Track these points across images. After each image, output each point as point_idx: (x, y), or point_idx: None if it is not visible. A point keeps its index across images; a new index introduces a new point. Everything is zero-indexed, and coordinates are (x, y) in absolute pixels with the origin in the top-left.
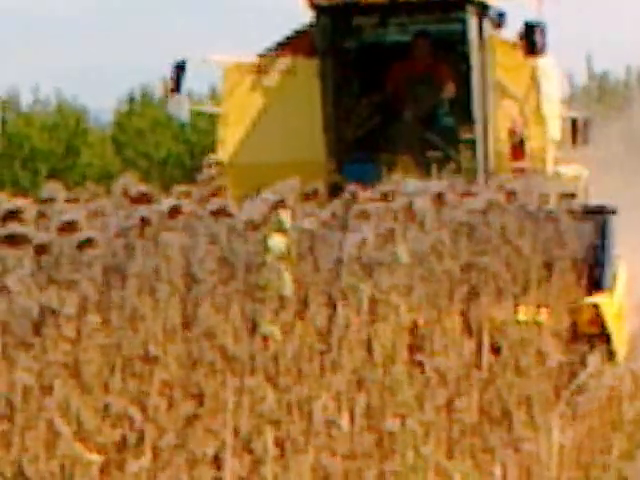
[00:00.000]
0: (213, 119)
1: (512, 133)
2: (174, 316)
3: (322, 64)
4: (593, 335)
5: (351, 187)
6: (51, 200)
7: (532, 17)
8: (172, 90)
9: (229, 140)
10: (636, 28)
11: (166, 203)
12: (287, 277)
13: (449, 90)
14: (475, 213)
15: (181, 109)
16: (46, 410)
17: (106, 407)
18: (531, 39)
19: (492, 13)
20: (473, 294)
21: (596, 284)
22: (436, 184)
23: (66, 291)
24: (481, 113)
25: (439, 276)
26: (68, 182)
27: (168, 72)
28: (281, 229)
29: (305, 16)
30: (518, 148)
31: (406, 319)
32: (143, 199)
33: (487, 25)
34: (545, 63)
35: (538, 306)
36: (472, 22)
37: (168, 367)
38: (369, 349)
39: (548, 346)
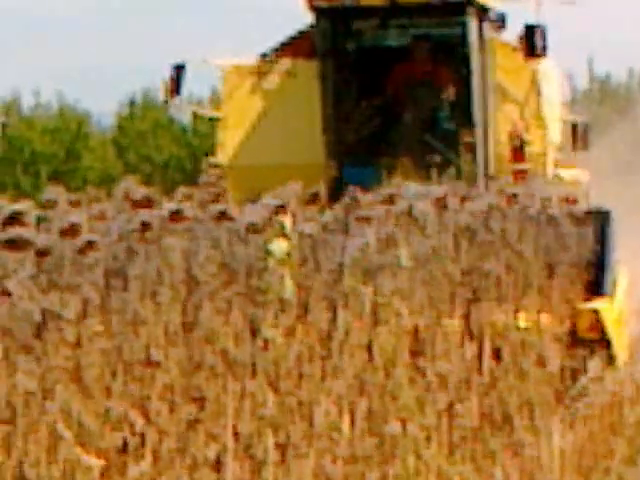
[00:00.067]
0: (213, 122)
1: (512, 136)
2: (175, 320)
3: (322, 66)
4: (593, 340)
5: (352, 191)
6: (53, 204)
7: (532, 19)
8: (172, 92)
9: (229, 143)
10: (638, 30)
11: (167, 207)
12: (288, 281)
13: (449, 93)
14: (476, 217)
15: (182, 112)
16: (47, 414)
17: (107, 411)
18: (531, 42)
19: (492, 15)
20: (474, 298)
21: (596, 289)
22: (437, 188)
23: (67, 295)
24: (481, 116)
25: (440, 280)
26: (69, 186)
27: (168, 74)
28: (282, 233)
29: (305, 18)
30: (518, 151)
31: (407, 323)
32: (144, 203)
33: (487, 28)
34: (545, 66)
35: (539, 311)
36: (472, 25)
37: (169, 371)
38: (370, 353)
39: (549, 351)
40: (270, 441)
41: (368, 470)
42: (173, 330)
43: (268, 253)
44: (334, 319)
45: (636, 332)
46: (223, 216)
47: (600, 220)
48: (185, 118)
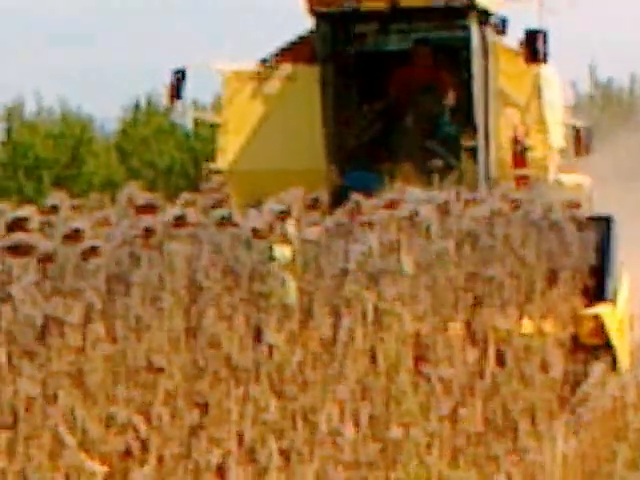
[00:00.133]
0: (215, 128)
1: (514, 141)
2: (178, 325)
3: (323, 71)
4: (595, 346)
5: (355, 196)
6: (56, 209)
7: (534, 24)
8: (172, 98)
9: (229, 148)
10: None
11: (171, 212)
12: (291, 286)
13: (451, 98)
14: (479, 222)
15: (185, 117)
16: (50, 419)
17: (110, 416)
18: (533, 46)
19: (494, 20)
20: (477, 304)
21: (598, 294)
22: (440, 193)
23: (71, 300)
24: (483, 121)
25: (443, 286)
26: (73, 191)
27: (168, 79)
28: (286, 238)
29: (306, 21)
30: (520, 156)
31: (410, 328)
32: (148, 208)
33: (489, 32)
34: (547, 70)
35: (542, 316)
36: (474, 29)
37: (172, 376)
38: (373, 358)
39: (552, 356)
40: (273, 446)
41: (371, 475)
42: (176, 335)
43: (271, 258)
44: (337, 324)
45: (638, 337)
46: (226, 222)
47: (602, 225)
48: (188, 123)
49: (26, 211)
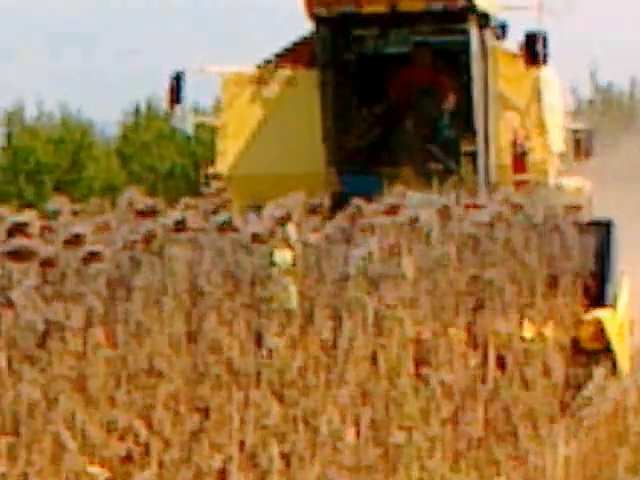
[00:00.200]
0: (214, 131)
1: (514, 145)
2: (179, 330)
3: (322, 75)
4: (596, 350)
5: (356, 200)
6: (56, 214)
7: (533, 28)
8: (172, 102)
9: (228, 152)
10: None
11: (171, 217)
12: (293, 291)
13: (450, 101)
14: (480, 226)
15: (185, 122)
16: (52, 424)
17: (112, 421)
18: (532, 50)
19: (493, 24)
20: (478, 307)
21: (599, 299)
22: (441, 197)
23: (71, 305)
24: (482, 124)
25: (444, 289)
26: (73, 196)
27: (167, 82)
28: (287, 243)
29: (306, 26)
30: (520, 160)
31: (411, 332)
32: (148, 213)
33: (489, 36)
34: (547, 74)
35: (543, 320)
36: (473, 32)
37: (173, 381)
38: (374, 362)
39: (553, 360)
40: (274, 450)
41: (372, 479)
42: (177, 340)
43: (272, 263)
44: (338, 329)
45: (638, 342)
46: (227, 226)
47: (602, 230)
48: (188, 128)
49: (27, 216)
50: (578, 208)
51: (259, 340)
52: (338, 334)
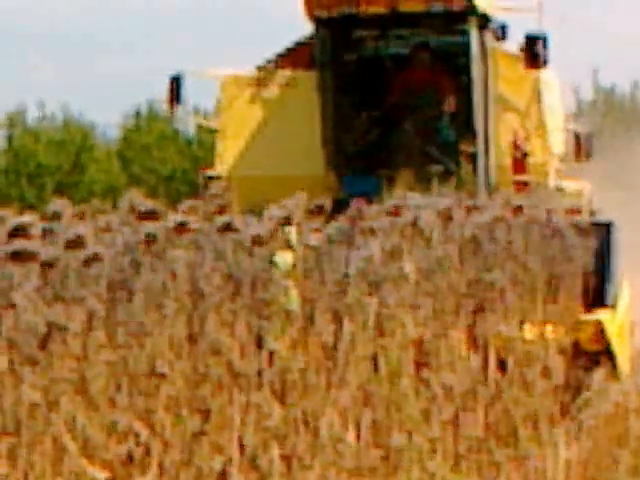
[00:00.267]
0: (213, 133)
1: (514, 146)
2: (180, 332)
3: (322, 76)
4: (596, 352)
5: (355, 202)
6: (57, 216)
7: (534, 29)
8: (171, 104)
9: (227, 153)
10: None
11: (172, 219)
12: (293, 293)
13: (450, 103)
14: (481, 228)
15: (187, 124)
16: (52, 426)
17: (112, 423)
18: (533, 51)
19: (494, 25)
20: (479, 309)
21: (599, 300)
22: (442, 199)
23: (72, 307)
24: (482, 126)
25: (445, 292)
26: (74, 198)
27: (165, 85)
28: (287, 245)
29: (306, 27)
30: (520, 161)
31: (412, 334)
32: (149, 215)
33: (489, 37)
34: (547, 75)
35: (544, 322)
36: (474, 34)
37: (174, 383)
38: (375, 364)
39: (554, 362)
40: (275, 453)
41: None
42: (178, 342)
43: (273, 265)
44: (339, 331)
45: (638, 344)
46: (228, 228)
47: (603, 231)
48: (190, 129)
49: (28, 218)
50: (578, 210)
51: (260, 342)
52: (339, 336)
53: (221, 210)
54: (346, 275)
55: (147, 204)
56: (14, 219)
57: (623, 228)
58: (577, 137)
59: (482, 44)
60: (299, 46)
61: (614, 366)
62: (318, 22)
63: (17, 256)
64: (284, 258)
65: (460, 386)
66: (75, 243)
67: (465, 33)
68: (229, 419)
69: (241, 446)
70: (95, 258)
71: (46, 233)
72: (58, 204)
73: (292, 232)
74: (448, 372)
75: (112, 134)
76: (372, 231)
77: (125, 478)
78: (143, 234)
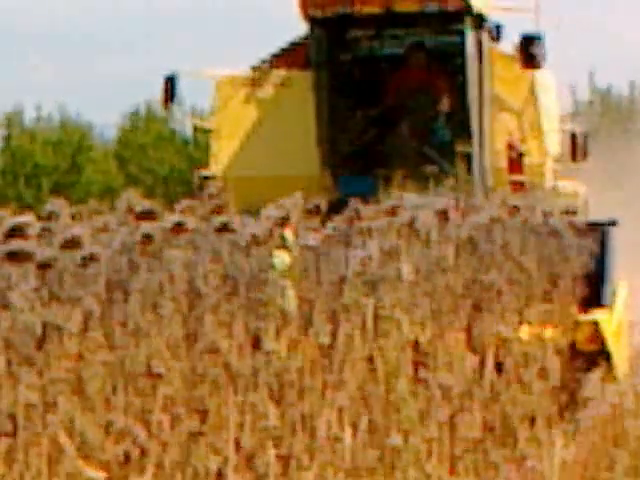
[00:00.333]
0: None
1: (510, 147)
2: (177, 332)
3: (317, 76)
4: (592, 352)
5: (354, 203)
6: (54, 216)
7: (530, 29)
8: (165, 102)
9: (222, 153)
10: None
11: (169, 219)
12: (290, 293)
13: (446, 103)
14: (478, 229)
15: (184, 124)
16: (49, 426)
17: (109, 423)
18: (528, 51)
19: (489, 25)
20: (476, 310)
21: (595, 300)
22: (439, 200)
23: (69, 307)
24: (478, 127)
25: (442, 292)
26: (71, 198)
27: (159, 85)
28: (284, 245)
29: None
30: (516, 162)
31: (409, 335)
32: (146, 215)
33: (485, 37)
34: (543, 76)
35: (541, 323)
36: (469, 34)
37: (171, 383)
38: (372, 365)
39: (551, 363)
40: (272, 453)
41: None
42: (175, 342)
43: (270, 265)
44: (336, 331)
45: (636, 344)
46: (225, 228)
47: (599, 232)
48: (187, 130)
49: (25, 218)
50: (574, 210)
51: (257, 343)
52: (336, 337)
53: (218, 210)
54: (343, 276)
55: (144, 204)
56: (11, 219)
57: (620, 228)
58: (573, 137)
59: (478, 44)
60: (294, 46)
61: (611, 367)
62: (313, 22)
63: (14, 256)
64: (281, 258)
65: (457, 387)
66: (72, 243)
67: (460, 33)
68: (226, 419)
69: (238, 446)
70: (92, 258)
71: (43, 233)
72: (55, 204)
73: (289, 233)
74: (445, 373)
75: (109, 135)
76: (369, 231)
77: (122, 478)
78: (140, 234)
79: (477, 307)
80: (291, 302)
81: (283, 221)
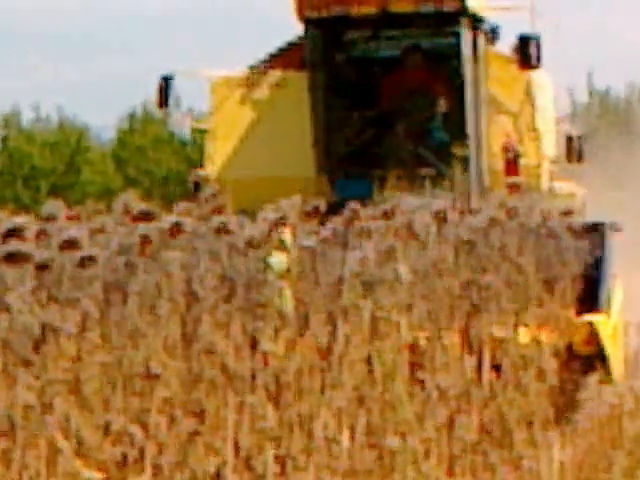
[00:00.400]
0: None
1: (506, 148)
2: (175, 333)
3: (312, 78)
4: (589, 354)
5: (351, 205)
6: (52, 218)
7: (526, 30)
8: (160, 104)
9: (217, 155)
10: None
11: (167, 221)
12: (288, 295)
13: (442, 105)
14: (476, 230)
15: (181, 125)
16: (47, 427)
17: (107, 424)
18: (525, 52)
19: (486, 26)
20: (474, 312)
21: (592, 303)
22: (437, 202)
23: (67, 308)
24: (474, 128)
25: (440, 294)
26: (69, 200)
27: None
28: (282, 247)
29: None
30: (512, 164)
31: (407, 336)
32: (144, 217)
33: (481, 39)
34: (539, 77)
35: (538, 325)
36: (466, 35)
37: (169, 384)
38: (370, 366)
39: (548, 365)
40: (270, 454)
41: None
42: (173, 343)
43: (268, 267)
44: (333, 333)
45: (633, 346)
46: (223, 229)
47: (596, 234)
48: (185, 131)
49: (23, 219)
50: (571, 212)
51: (254, 344)
52: (333, 338)
53: (216, 211)
54: (341, 277)
55: (142, 206)
56: (9, 221)
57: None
58: (570, 139)
59: (474, 45)
60: (290, 47)
61: (607, 368)
62: (308, 23)
63: (12, 258)
64: (279, 260)
65: (455, 388)
66: (70, 244)
67: (457, 34)
68: (224, 420)
69: (236, 447)
70: (90, 259)
71: (41, 235)
72: (53, 206)
73: (286, 234)
74: (443, 374)
75: (107, 136)
76: (367, 233)
77: (119, 479)
78: (138, 235)
79: (474, 309)
80: (288, 303)
81: (281, 222)
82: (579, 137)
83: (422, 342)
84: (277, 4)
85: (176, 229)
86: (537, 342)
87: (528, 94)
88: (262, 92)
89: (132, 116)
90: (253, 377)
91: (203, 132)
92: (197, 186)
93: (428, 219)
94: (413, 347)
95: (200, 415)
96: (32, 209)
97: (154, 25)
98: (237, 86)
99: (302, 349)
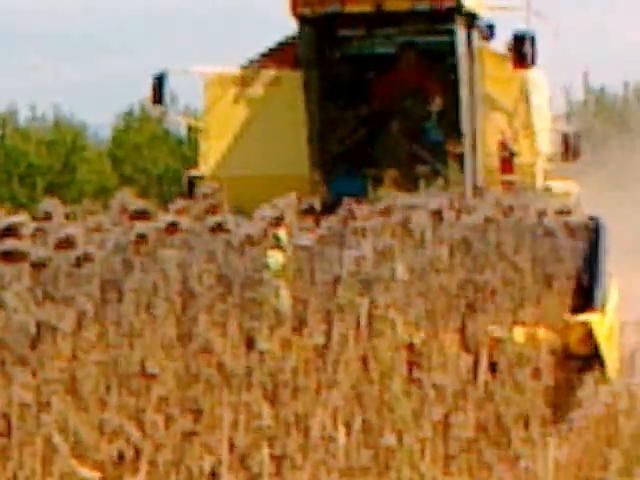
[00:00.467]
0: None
1: (501, 146)
2: (171, 332)
3: (306, 76)
4: (584, 353)
5: (348, 203)
6: (48, 216)
7: (521, 28)
8: (154, 102)
9: (211, 153)
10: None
11: (163, 219)
12: (284, 293)
13: (437, 103)
14: (472, 229)
15: (177, 123)
16: (43, 426)
17: (103, 423)
18: (520, 50)
19: (481, 24)
20: (470, 310)
21: (587, 302)
22: (433, 200)
23: (63, 307)
24: (470, 126)
25: (436, 292)
26: (65, 198)
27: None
28: (278, 245)
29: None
30: (507, 162)
31: (403, 335)
32: (140, 215)
33: (476, 37)
34: (534, 75)
35: (535, 323)
36: (461, 33)
37: (165, 383)
38: (366, 365)
39: (545, 363)
40: (266, 453)
41: None
42: (169, 342)
43: (264, 265)
44: (330, 331)
45: (628, 345)
46: (219, 228)
47: (591, 232)
48: (181, 130)
49: (19, 218)
50: (566, 211)
51: (251, 343)
52: (330, 337)
53: (212, 210)
54: (337, 276)
55: (138, 204)
56: (5, 219)
57: (614, 226)
58: (565, 137)
59: (469, 43)
60: (284, 45)
61: (603, 367)
62: (303, 20)
63: (8, 256)
64: (275, 258)
65: (451, 387)
66: (66, 243)
67: (452, 32)
68: (220, 419)
69: (232, 446)
70: (86, 258)
71: (37, 233)
72: (49, 204)
73: (283, 233)
74: (439, 373)
75: (103, 135)
76: (363, 231)
77: (116, 478)
78: (134, 234)
79: (471, 307)
80: (285, 302)
81: (277, 221)
82: (575, 135)
83: (417, 341)
84: (277, 4)
85: (172, 228)
86: (533, 340)
87: (523, 92)
88: (256, 90)
89: (129, 114)
90: (249, 376)
91: (196, 129)
92: (191, 186)
93: (424, 218)
94: (410, 346)
95: (196, 414)
96: (28, 207)
97: (154, 25)
98: (231, 84)
99: (298, 348)
